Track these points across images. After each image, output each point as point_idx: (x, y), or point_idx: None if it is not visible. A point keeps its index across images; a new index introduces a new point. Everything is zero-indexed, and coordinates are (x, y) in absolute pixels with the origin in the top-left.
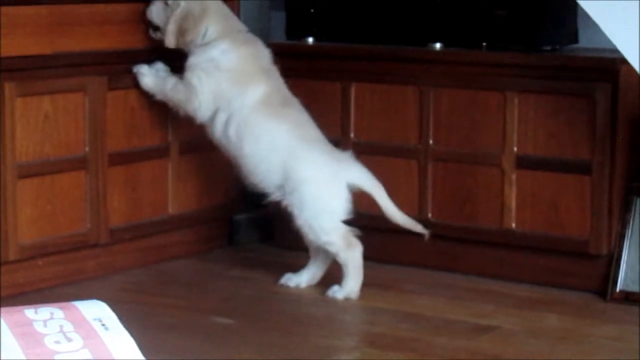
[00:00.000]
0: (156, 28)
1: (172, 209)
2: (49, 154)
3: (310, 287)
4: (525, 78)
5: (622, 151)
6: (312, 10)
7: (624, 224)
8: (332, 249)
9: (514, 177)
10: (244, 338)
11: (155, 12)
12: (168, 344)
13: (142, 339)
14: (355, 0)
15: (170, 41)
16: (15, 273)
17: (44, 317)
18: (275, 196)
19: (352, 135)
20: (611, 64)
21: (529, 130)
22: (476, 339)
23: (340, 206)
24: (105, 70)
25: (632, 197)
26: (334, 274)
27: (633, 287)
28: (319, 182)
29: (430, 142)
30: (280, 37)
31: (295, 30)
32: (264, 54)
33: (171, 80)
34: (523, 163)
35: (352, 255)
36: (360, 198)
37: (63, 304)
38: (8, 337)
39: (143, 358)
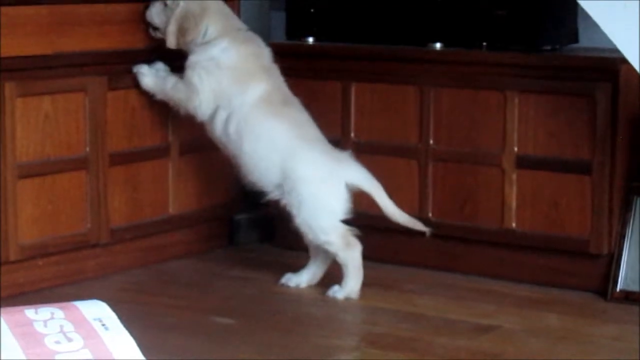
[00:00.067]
0: (156, 28)
1: (172, 209)
2: (50, 154)
3: (310, 287)
4: (525, 78)
5: (622, 151)
6: (312, 10)
7: (624, 224)
8: (331, 248)
9: (514, 176)
10: (244, 338)
11: (154, 14)
12: (168, 343)
13: (142, 339)
14: (356, 0)
15: (170, 41)
16: (16, 273)
17: (44, 317)
18: (273, 195)
19: (352, 135)
20: (611, 63)
21: (529, 130)
22: (477, 338)
23: (338, 206)
24: (106, 70)
25: (632, 197)
26: (334, 274)
27: (633, 287)
28: (317, 182)
29: (431, 141)
30: (280, 37)
31: (295, 30)
32: (264, 53)
33: (171, 80)
34: (523, 163)
35: (351, 255)
36: (360, 198)
37: (63, 304)
38: (8, 337)
39: (143, 358)
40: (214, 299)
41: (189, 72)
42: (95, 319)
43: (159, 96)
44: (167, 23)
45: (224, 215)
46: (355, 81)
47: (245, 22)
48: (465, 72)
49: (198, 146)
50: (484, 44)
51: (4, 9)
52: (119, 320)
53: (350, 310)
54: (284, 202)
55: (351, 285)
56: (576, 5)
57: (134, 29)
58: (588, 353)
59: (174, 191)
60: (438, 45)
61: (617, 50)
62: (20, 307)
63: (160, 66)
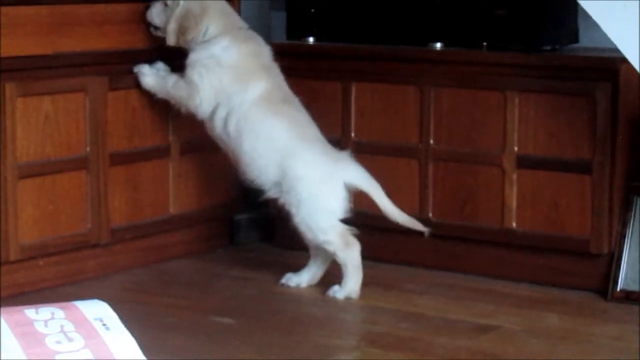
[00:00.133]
0: (157, 27)
1: (172, 209)
2: (50, 154)
3: (310, 286)
4: (525, 78)
5: (622, 151)
6: (312, 10)
7: (624, 224)
8: (330, 248)
9: (514, 176)
10: (244, 338)
11: (155, 14)
12: (169, 343)
13: (143, 339)
14: (356, 0)
15: (171, 40)
16: (16, 273)
17: (45, 317)
18: (272, 193)
19: (352, 134)
20: (611, 63)
21: (530, 129)
22: (477, 338)
23: (337, 205)
24: (106, 71)
25: (632, 197)
26: (334, 273)
27: (633, 287)
28: (316, 181)
29: (431, 141)
30: (280, 37)
31: (295, 30)
32: (265, 51)
33: (172, 78)
34: (523, 163)
35: (350, 254)
36: (360, 198)
37: (64, 304)
38: (9, 337)
39: (144, 358)
40: (214, 299)
41: (189, 71)
42: (96, 319)
43: (160, 95)
44: (167, 22)
45: (224, 215)
46: (356, 81)
47: (246, 21)
48: (466, 72)
49: (198, 146)
50: (484, 44)
51: (4, 9)
52: (119, 320)
53: (350, 310)
54: (282, 200)
55: (351, 284)
56: (576, 5)
57: (134, 29)
58: (588, 353)
59: (175, 191)
60: (438, 45)
61: (617, 50)
62: (21, 307)
63: (160, 66)
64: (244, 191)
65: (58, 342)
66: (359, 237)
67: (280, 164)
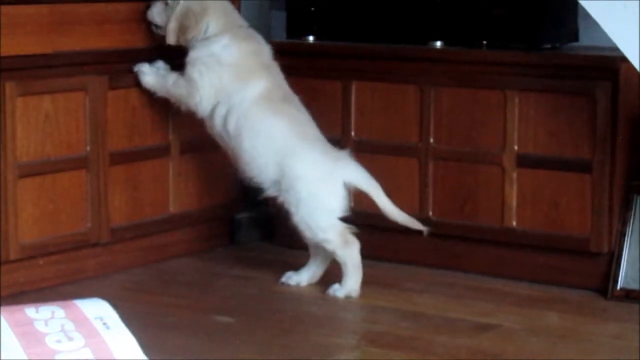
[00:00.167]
0: (158, 26)
1: (173, 208)
2: (50, 153)
3: (310, 285)
4: (525, 77)
5: (622, 149)
6: (312, 9)
7: (624, 222)
8: (329, 246)
9: (514, 175)
10: (245, 337)
11: (156, 13)
12: (169, 343)
13: (143, 338)
14: None
15: (171, 39)
16: (16, 272)
17: (45, 316)
18: (271, 191)
19: (352, 133)
20: (611, 62)
21: (530, 128)
22: (477, 337)
23: (336, 204)
24: (106, 70)
25: (632, 196)
26: (334, 272)
27: (633, 285)
28: (315, 180)
29: (431, 140)
30: (280, 36)
31: (295, 28)
32: (265, 50)
33: (172, 77)
34: (523, 161)
35: (349, 253)
36: (360, 197)
37: (64, 303)
38: (9, 337)
39: (144, 357)
40: (215, 298)
41: (189, 69)
42: (96, 318)
43: (160, 94)
44: (168, 21)
45: (225, 214)
46: (356, 80)
47: (246, 20)
48: (466, 71)
49: (198, 145)
50: (485, 42)
51: (4, 8)
52: (120, 319)
53: (351, 308)
54: (281, 199)
55: (351, 283)
56: (576, 4)
57: (134, 28)
58: (588, 352)
59: (175, 190)
60: (438, 44)
61: (617, 49)
62: (21, 306)
63: (160, 65)
64: (244, 190)
65: (58, 341)
66: (359, 236)
67: (280, 162)
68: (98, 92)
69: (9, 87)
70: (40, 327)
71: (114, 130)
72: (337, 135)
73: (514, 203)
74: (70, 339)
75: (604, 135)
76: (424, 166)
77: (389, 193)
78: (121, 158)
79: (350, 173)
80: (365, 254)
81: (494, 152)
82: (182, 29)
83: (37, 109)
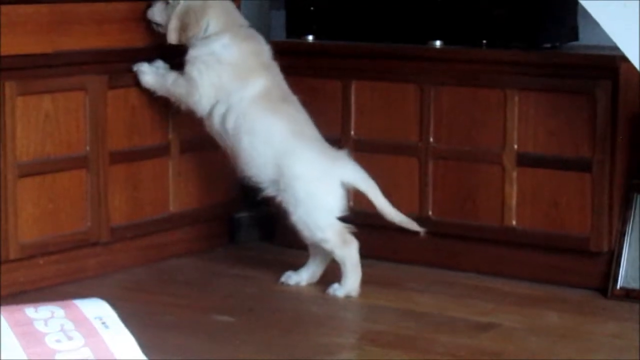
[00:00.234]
0: (158, 25)
1: (172, 208)
2: (50, 152)
3: (310, 285)
4: (525, 76)
5: (622, 149)
6: (312, 8)
7: (624, 222)
8: (328, 246)
9: (514, 174)
10: (244, 336)
11: (156, 12)
12: (169, 342)
13: (142, 338)
14: None
15: (172, 37)
16: (16, 272)
17: (45, 316)
18: (269, 191)
19: (352, 133)
20: (611, 61)
21: (530, 128)
22: (477, 336)
23: (334, 203)
24: (106, 69)
25: (632, 195)
26: (334, 272)
27: (633, 285)
28: (312, 180)
29: (431, 139)
30: (280, 35)
31: (295, 28)
32: (265, 50)
33: (172, 76)
34: (523, 161)
35: (348, 252)
36: (360, 196)
37: (64, 303)
38: (9, 337)
39: (143, 356)
40: (214, 298)
41: (188, 67)
42: (95, 318)
43: (160, 93)
44: (168, 20)
45: (225, 213)
46: (356, 79)
47: (246, 20)
48: (466, 70)
49: (198, 145)
50: (484, 41)
51: (4, 8)
52: (119, 318)
53: (351, 308)
54: (279, 198)
55: (350, 282)
56: (576, 3)
57: (133, 27)
58: (588, 351)
59: (174, 190)
60: (438, 43)
61: (617, 48)
62: (21, 306)
63: (160, 64)
64: (244, 190)
65: (58, 341)
66: (358, 236)
67: (278, 162)
68: (98, 92)
69: (9, 86)
70: (39, 326)
71: (114, 129)
72: (336, 134)
73: (514, 202)
74: (69, 338)
75: (604, 134)
76: (423, 165)
77: (389, 192)
78: (121, 157)
79: (348, 173)
80: (365, 254)
81: (493, 151)
82: (183, 27)
83: (37, 109)
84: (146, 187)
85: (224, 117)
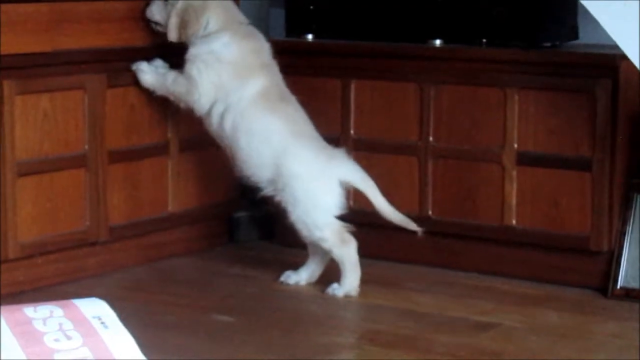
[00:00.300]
0: (157, 23)
1: (171, 207)
2: (49, 152)
3: (310, 284)
4: (525, 74)
5: (622, 148)
6: (311, 7)
7: (624, 221)
8: (326, 245)
9: (514, 173)
10: (244, 336)
11: (156, 10)
12: (168, 342)
13: (142, 337)
14: None
15: (173, 36)
16: (15, 271)
17: (44, 316)
18: (267, 191)
19: (352, 132)
20: (611, 60)
21: (529, 126)
22: (477, 336)
23: (332, 202)
24: (105, 68)
25: (632, 194)
26: (334, 271)
27: (634, 284)
28: (310, 179)
29: (431, 139)
30: (279, 34)
31: (294, 27)
32: (265, 48)
33: (171, 75)
34: (523, 160)
35: (346, 251)
36: (359, 195)
37: (62, 302)
38: (7, 336)
39: (142, 356)
40: (214, 297)
41: (188, 66)
42: (94, 317)
43: (159, 92)
44: (168, 18)
45: (224, 213)
46: (355, 78)
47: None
48: (465, 69)
49: (197, 143)
50: (484, 40)
51: (4, 7)
52: (118, 318)
53: (350, 307)
54: (278, 198)
55: (349, 282)
56: (576, 1)
57: (132, 26)
58: (588, 350)
59: (174, 189)
60: (438, 42)
61: (617, 47)
62: (19, 306)
63: (159, 63)
64: (243, 189)
65: (56, 340)
66: (358, 235)
67: (276, 161)
68: (97, 91)
69: (8, 85)
70: (38, 326)
71: (113, 128)
72: (336, 133)
73: (514, 201)
74: (68, 338)
75: (604, 133)
76: (423, 164)
77: (389, 192)
78: (120, 156)
79: (346, 171)
80: (365, 253)
81: (493, 150)
82: (183, 25)
83: (35, 108)
84: (145, 186)
85: (222, 116)
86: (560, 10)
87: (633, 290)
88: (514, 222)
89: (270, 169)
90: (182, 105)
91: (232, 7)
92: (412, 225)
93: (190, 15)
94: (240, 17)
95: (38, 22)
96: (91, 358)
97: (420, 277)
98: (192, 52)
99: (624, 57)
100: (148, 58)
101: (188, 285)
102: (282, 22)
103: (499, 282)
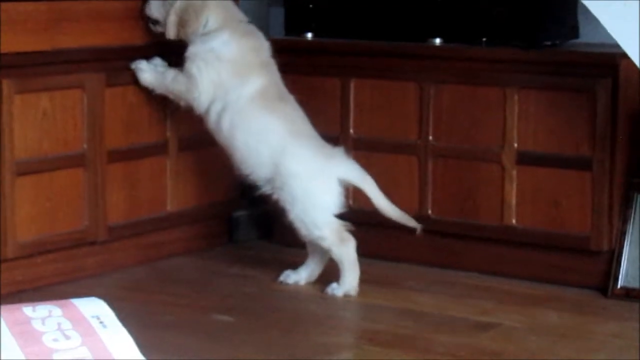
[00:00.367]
0: (155, 22)
1: (170, 206)
2: (47, 151)
3: (309, 284)
4: (525, 74)
5: (622, 147)
6: (310, 6)
7: (624, 220)
8: (325, 244)
9: (514, 173)
10: (243, 336)
11: (154, 7)
12: (167, 342)
13: (141, 337)
14: None
15: (171, 33)
16: (14, 271)
17: (42, 315)
18: (265, 189)
19: (351, 131)
20: (611, 59)
21: (529, 126)
22: (477, 336)
23: (331, 201)
24: (104, 67)
25: (632, 193)
26: (333, 271)
27: (634, 284)
28: (308, 178)
29: (430, 138)
30: (279, 33)
31: (294, 25)
32: (264, 47)
33: (171, 73)
34: (523, 159)
35: (345, 250)
36: (359, 194)
37: (61, 302)
38: (6, 336)
39: (141, 356)
40: (213, 297)
41: (188, 64)
42: (93, 317)
43: (159, 91)
44: (167, 16)
45: (223, 212)
46: (355, 77)
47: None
48: (465, 68)
49: (197, 143)
50: (484, 39)
51: (3, 5)
52: (116, 317)
53: (350, 307)
54: (276, 197)
55: (349, 281)
56: (576, 0)
57: (131, 25)
58: (588, 350)
59: (173, 188)
60: (438, 41)
61: (617, 46)
62: (18, 305)
63: (158, 61)
64: (243, 188)
65: (55, 340)
66: (358, 234)
67: (274, 160)
68: (95, 90)
69: (7, 84)
70: (37, 325)
71: (112, 127)
72: (335, 132)
73: (514, 201)
74: (67, 337)
75: (604, 132)
76: (423, 164)
77: (388, 191)
78: (119, 156)
79: (344, 170)
80: (364, 252)
81: (493, 150)
82: (182, 23)
83: (34, 107)
84: (144, 185)
85: (220, 115)
86: (560, 9)
87: (633, 290)
88: (514, 221)
89: (268, 167)
90: (181, 103)
91: (232, 5)
92: (411, 223)
93: (190, 14)
94: (240, 15)
95: (37, 21)
96: (90, 358)
97: (419, 276)
98: (192, 50)
99: (624, 56)
100: (147, 57)
101: (187, 285)
102: (281, 21)
103: (499, 281)
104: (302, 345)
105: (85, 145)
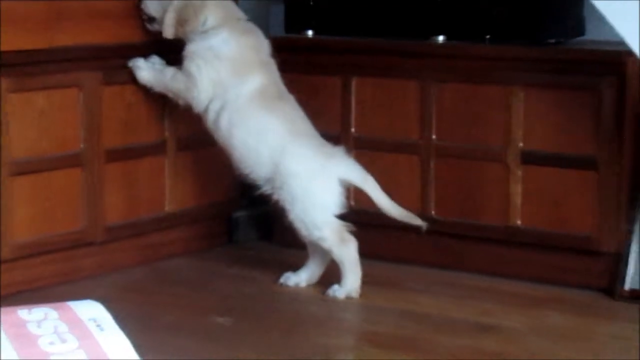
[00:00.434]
0: (152, 19)
1: (169, 207)
2: (45, 150)
3: (309, 285)
4: (530, 72)
5: (628, 146)
6: (311, 3)
7: (630, 221)
8: (325, 244)
9: (519, 173)
10: (243, 337)
11: (151, 6)
12: (167, 343)
13: (140, 339)
14: None
15: (169, 32)
16: (12, 272)
17: (38, 318)
18: (265, 189)
19: (352, 130)
20: (617, 56)
21: (534, 125)
22: (479, 337)
23: (331, 201)
24: (101, 65)
25: (638, 193)
26: (333, 272)
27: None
28: (308, 177)
29: (433, 137)
30: (279, 31)
31: (294, 23)
32: (264, 45)
33: (170, 71)
34: (528, 159)
35: (346, 251)
36: (360, 195)
37: (57, 304)
38: (2, 339)
39: (138, 358)
40: (213, 298)
41: (187, 62)
42: (89, 320)
43: (157, 89)
44: (164, 14)
45: (223, 212)
46: (356, 75)
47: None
48: (468, 66)
49: (195, 142)
50: (487, 37)
51: (1, 4)
52: (114, 320)
53: (350, 309)
54: (276, 197)
55: (350, 282)
56: None
57: (129, 23)
58: (593, 352)
59: (171, 188)
60: (441, 38)
61: (622, 43)
62: (14, 308)
63: (156, 60)
64: (243, 188)
65: (51, 343)
66: (359, 235)
67: (274, 160)
68: (93, 88)
69: (4, 83)
70: (33, 328)
71: (109, 126)
72: (336, 131)
73: (518, 201)
74: (63, 340)
75: (610, 131)
76: (425, 163)
77: (390, 191)
78: (116, 155)
79: (345, 169)
80: (365, 253)
81: (497, 149)
82: (181, 21)
83: (31, 106)
84: (142, 185)
85: (218, 113)
86: (565, 6)
87: (638, 291)
88: (518, 222)
89: (268, 167)
90: (180, 102)
91: (231, 3)
92: (415, 220)
93: (189, 12)
94: (239, 13)
95: (34, 19)
96: None
97: (421, 277)
98: (191, 48)
99: (630, 54)
100: (145, 55)
101: (186, 285)
102: (281, 18)
103: (501, 282)
104: (302, 346)
105: (82, 145)
